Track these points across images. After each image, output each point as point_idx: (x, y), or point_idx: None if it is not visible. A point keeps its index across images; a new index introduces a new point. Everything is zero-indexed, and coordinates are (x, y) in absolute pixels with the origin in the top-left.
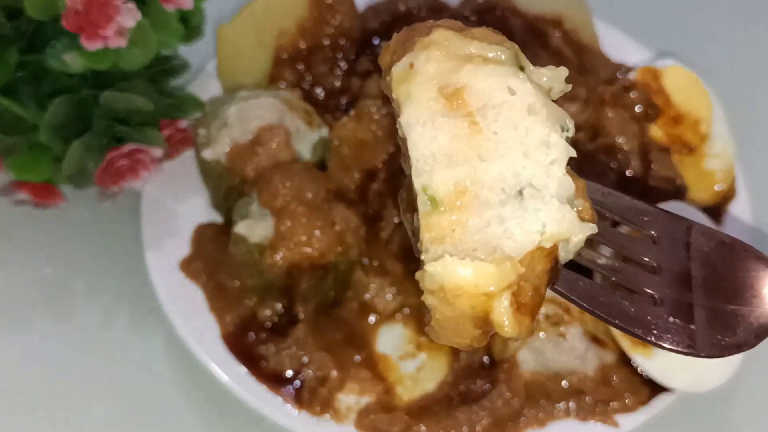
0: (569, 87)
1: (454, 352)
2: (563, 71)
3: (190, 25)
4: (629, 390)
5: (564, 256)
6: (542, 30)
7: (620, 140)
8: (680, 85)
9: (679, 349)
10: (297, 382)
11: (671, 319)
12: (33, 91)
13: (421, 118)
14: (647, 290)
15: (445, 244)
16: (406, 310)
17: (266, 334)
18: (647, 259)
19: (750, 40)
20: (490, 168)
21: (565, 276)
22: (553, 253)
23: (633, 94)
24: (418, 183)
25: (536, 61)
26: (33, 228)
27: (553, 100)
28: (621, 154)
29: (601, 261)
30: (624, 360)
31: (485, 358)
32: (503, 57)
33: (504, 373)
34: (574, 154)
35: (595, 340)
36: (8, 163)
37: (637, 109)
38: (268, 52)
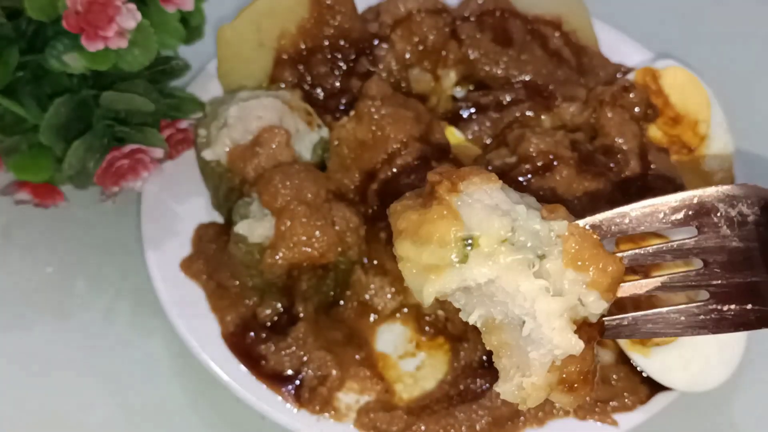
0: (605, 307)
1: (454, 351)
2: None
3: (190, 25)
4: (628, 389)
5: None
6: (541, 31)
7: (619, 141)
8: (679, 85)
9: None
10: (297, 381)
11: (727, 307)
12: (33, 92)
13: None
14: (707, 288)
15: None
16: (406, 310)
17: (266, 333)
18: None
19: (749, 41)
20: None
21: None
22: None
23: (632, 95)
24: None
25: (536, 62)
26: (34, 228)
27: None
28: (620, 155)
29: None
30: (623, 359)
31: (484, 357)
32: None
33: None
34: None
35: None
36: (9, 163)
37: (636, 109)
38: (269, 53)
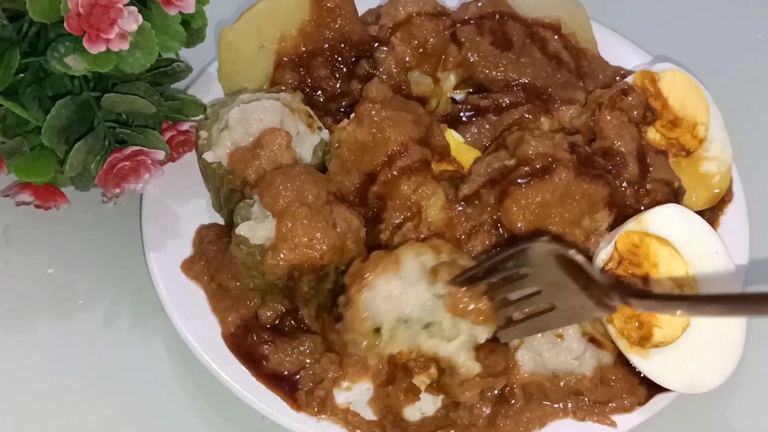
0: (490, 333)
1: None
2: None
3: (191, 28)
4: (627, 390)
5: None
6: (541, 34)
7: (618, 143)
8: (678, 88)
9: None
10: (297, 383)
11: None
12: (35, 94)
13: None
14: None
15: None
16: None
17: (267, 334)
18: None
19: (747, 44)
20: None
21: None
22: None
23: (631, 98)
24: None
25: (535, 65)
26: (35, 229)
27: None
28: (619, 157)
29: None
30: (622, 360)
31: None
32: None
33: None
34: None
35: (593, 340)
36: (11, 165)
37: (635, 112)
38: (269, 56)
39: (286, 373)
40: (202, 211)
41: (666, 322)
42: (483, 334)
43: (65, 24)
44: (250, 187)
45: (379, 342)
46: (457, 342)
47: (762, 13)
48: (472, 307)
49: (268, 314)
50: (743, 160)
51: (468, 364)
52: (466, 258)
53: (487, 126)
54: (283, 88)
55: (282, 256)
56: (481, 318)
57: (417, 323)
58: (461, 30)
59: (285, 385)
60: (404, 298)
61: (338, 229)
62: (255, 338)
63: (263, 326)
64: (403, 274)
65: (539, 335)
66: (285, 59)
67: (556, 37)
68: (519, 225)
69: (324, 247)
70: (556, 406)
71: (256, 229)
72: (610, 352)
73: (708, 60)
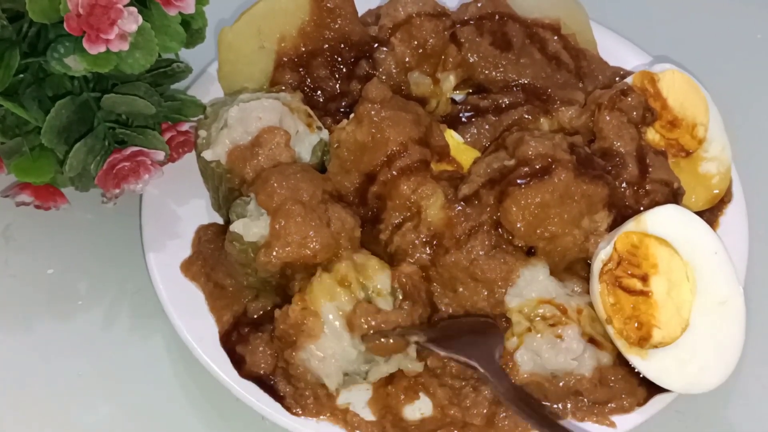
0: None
1: None
2: None
3: (191, 28)
4: (626, 391)
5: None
6: (540, 35)
7: (617, 144)
8: (677, 89)
9: None
10: (275, 384)
11: None
12: (35, 94)
13: None
14: None
15: None
16: None
17: (249, 328)
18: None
19: (746, 44)
20: None
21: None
22: None
23: (630, 98)
24: None
25: (534, 66)
26: (35, 229)
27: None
28: (618, 158)
29: None
30: (621, 361)
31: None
32: None
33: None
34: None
35: (592, 341)
36: (11, 165)
37: (634, 113)
38: (269, 56)
39: (262, 373)
40: (201, 212)
41: (665, 322)
42: (412, 353)
43: (65, 24)
44: (247, 185)
45: (330, 389)
46: (395, 360)
47: (762, 13)
48: (393, 344)
49: (254, 306)
50: (743, 160)
51: (410, 367)
52: (373, 265)
53: (487, 126)
54: (283, 88)
55: (274, 253)
56: (400, 348)
57: (358, 375)
58: (461, 30)
59: (265, 386)
60: (337, 359)
61: (332, 228)
62: (239, 337)
63: (248, 322)
64: (327, 331)
65: (538, 336)
66: (285, 59)
67: (555, 37)
68: (518, 225)
69: (317, 246)
70: (555, 406)
71: (251, 226)
72: (609, 352)
73: (707, 60)
